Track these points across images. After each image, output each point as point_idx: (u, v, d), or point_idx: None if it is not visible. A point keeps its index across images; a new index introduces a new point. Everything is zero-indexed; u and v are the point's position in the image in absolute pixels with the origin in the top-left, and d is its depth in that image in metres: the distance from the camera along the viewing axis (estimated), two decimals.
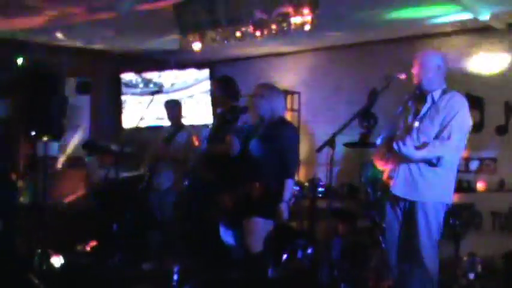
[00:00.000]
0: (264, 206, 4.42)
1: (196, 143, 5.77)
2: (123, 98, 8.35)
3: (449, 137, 3.74)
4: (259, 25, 5.16)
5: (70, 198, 7.26)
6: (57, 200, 6.96)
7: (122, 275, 5.49)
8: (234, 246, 4.77)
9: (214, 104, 5.59)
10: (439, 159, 3.77)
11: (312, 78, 7.64)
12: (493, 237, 5.50)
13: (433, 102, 3.88)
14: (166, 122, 6.26)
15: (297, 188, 5.94)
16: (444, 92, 3.90)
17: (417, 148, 3.80)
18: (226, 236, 4.80)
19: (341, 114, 6.80)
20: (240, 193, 4.64)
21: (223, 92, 5.26)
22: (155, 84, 8.15)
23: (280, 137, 4.45)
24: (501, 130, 6.00)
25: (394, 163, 3.93)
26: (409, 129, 3.90)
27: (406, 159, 3.85)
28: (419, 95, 3.97)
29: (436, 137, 3.78)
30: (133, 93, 8.33)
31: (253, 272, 4.51)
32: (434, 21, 5.98)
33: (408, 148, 3.82)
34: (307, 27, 4.90)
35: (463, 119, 3.81)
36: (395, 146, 3.86)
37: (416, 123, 3.87)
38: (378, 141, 4.21)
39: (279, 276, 4.93)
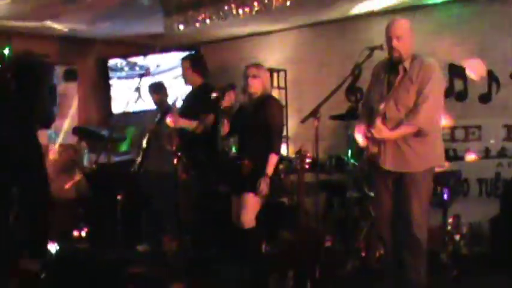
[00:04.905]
0: (254, 181, 4.51)
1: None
2: (110, 82, 8.30)
3: (426, 104, 3.80)
4: (241, 3, 5.21)
5: (66, 186, 7.29)
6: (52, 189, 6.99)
7: (117, 257, 5.55)
8: None
9: (186, 81, 5.68)
10: (419, 131, 3.83)
11: (298, 56, 7.65)
12: (479, 203, 5.59)
13: (405, 71, 3.91)
14: (152, 105, 6.26)
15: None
16: (413, 59, 3.92)
17: (392, 129, 3.87)
18: None
19: (328, 90, 6.79)
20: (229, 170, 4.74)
21: (194, 69, 5.47)
22: (140, 67, 8.11)
23: (265, 113, 4.57)
24: (484, 98, 6.09)
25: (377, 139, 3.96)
26: (379, 110, 3.93)
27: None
28: (391, 65, 3.98)
29: (414, 105, 3.84)
30: (119, 77, 8.29)
31: (246, 247, 4.62)
32: None
33: (382, 132, 3.87)
34: (288, 3, 4.95)
35: (437, 82, 3.89)
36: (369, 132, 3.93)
37: (382, 105, 3.92)
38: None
39: (272, 251, 5.00)
